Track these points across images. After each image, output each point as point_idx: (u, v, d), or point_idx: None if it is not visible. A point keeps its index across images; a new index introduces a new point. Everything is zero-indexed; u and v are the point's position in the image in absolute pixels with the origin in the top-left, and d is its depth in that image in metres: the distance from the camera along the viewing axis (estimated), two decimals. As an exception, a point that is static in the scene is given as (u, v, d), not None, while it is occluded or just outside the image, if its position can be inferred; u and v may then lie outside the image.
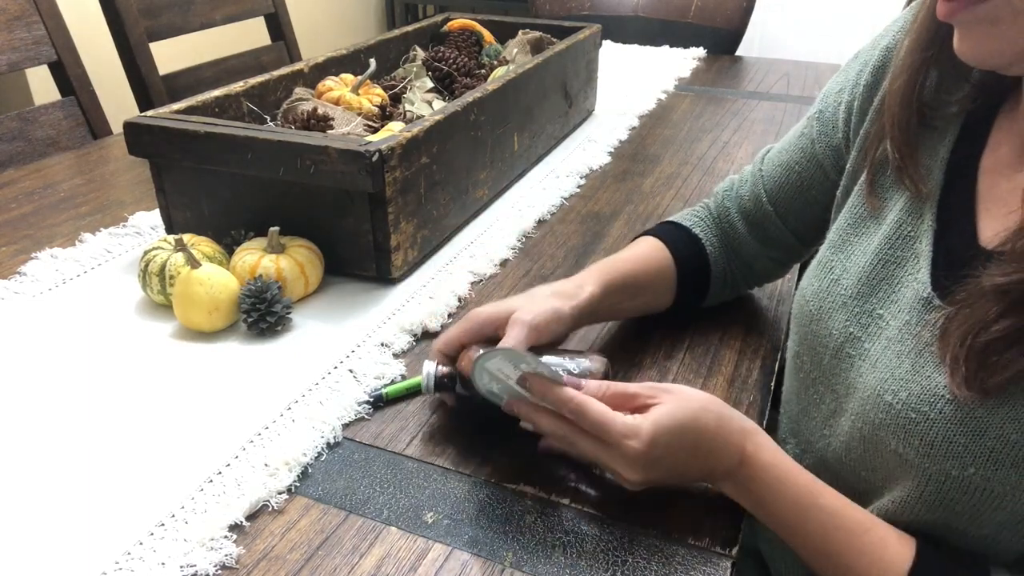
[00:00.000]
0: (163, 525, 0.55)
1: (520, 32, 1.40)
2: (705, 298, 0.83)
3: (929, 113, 0.62)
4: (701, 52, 1.96)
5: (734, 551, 0.55)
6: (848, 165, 0.69)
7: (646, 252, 0.80)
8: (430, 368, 0.64)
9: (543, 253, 0.96)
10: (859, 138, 0.68)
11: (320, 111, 0.98)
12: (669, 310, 0.81)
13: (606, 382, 0.58)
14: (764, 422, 0.68)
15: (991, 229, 0.56)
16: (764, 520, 0.57)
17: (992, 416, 0.51)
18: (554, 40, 1.37)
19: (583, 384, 0.57)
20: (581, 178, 1.18)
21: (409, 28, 1.38)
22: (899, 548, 0.53)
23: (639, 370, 0.74)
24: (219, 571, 0.52)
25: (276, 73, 1.06)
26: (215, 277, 0.75)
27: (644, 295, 0.78)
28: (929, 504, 0.54)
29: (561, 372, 0.59)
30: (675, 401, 0.56)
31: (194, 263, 0.76)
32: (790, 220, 0.79)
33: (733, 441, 0.56)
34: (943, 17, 0.52)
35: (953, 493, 0.53)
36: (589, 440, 0.56)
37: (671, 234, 0.82)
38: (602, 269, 0.75)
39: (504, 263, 0.93)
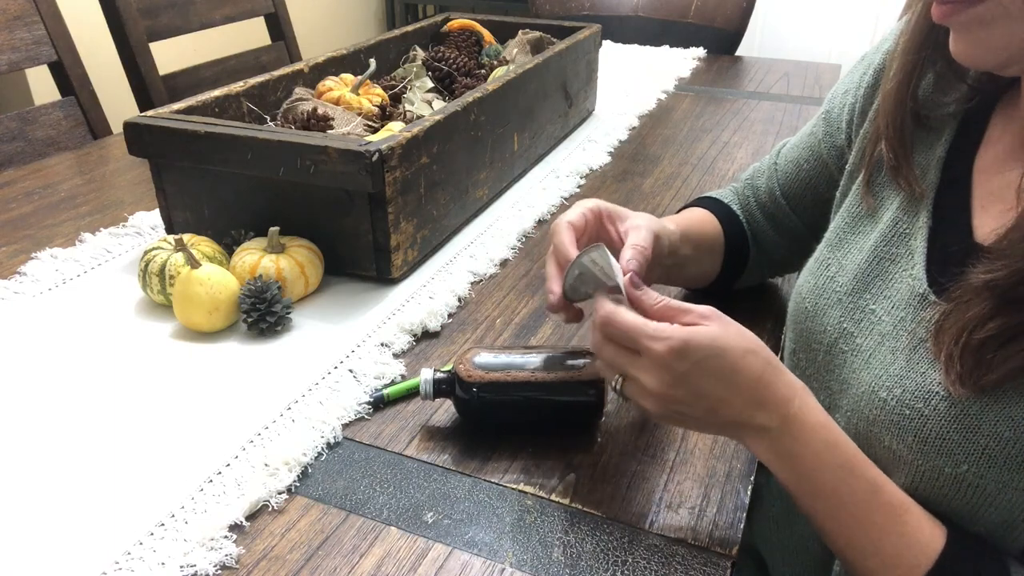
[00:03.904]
0: (163, 525, 0.55)
1: (520, 32, 1.40)
2: (740, 278, 0.85)
3: (925, 113, 0.62)
4: (701, 52, 1.96)
5: (734, 551, 0.55)
6: (847, 165, 0.70)
7: (704, 218, 0.82)
8: (428, 375, 0.64)
9: (543, 253, 0.96)
10: (858, 139, 0.68)
11: (320, 111, 0.98)
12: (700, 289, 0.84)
13: (664, 297, 0.55)
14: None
15: (987, 226, 0.56)
16: (795, 484, 0.54)
17: (986, 413, 0.51)
18: (554, 40, 1.37)
19: (643, 293, 0.55)
20: (581, 178, 1.18)
21: (409, 28, 1.38)
22: (932, 532, 0.52)
23: (639, 370, 0.74)
24: (219, 571, 0.52)
25: (276, 73, 1.06)
26: (215, 277, 0.75)
27: (700, 260, 0.80)
28: (922, 502, 0.54)
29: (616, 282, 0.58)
30: (722, 328, 0.52)
31: (194, 263, 0.76)
32: (802, 214, 0.81)
33: (778, 395, 0.53)
34: (938, 20, 0.52)
35: (946, 491, 0.53)
36: (615, 349, 0.54)
37: (720, 209, 0.84)
38: (675, 218, 0.76)
39: (504, 263, 0.93)
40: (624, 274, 0.57)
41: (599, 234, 0.67)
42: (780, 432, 0.53)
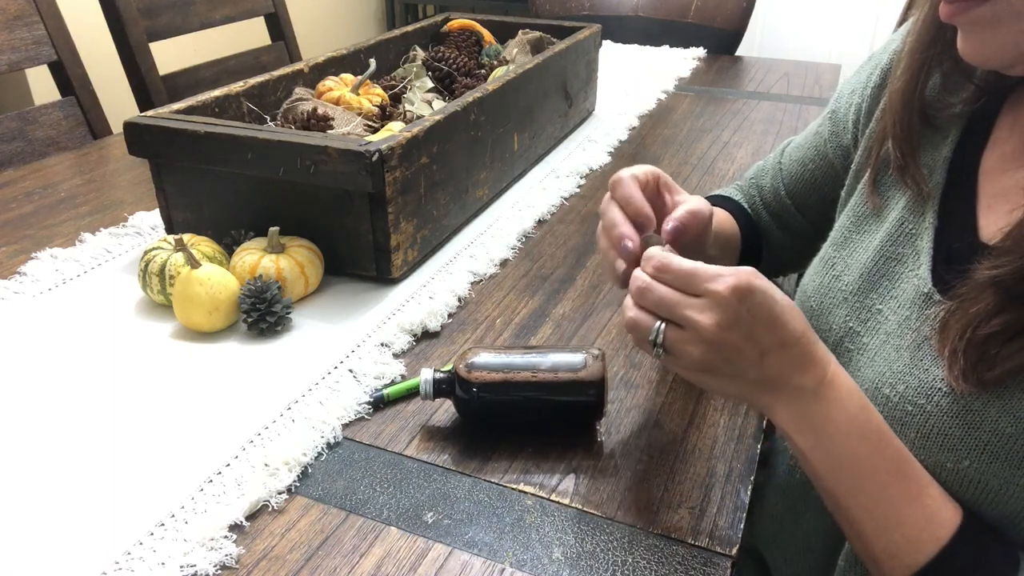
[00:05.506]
0: (163, 525, 0.55)
1: (520, 32, 1.40)
2: None
3: (932, 113, 0.62)
4: (701, 52, 1.96)
5: (734, 551, 0.55)
6: (853, 165, 0.70)
7: (722, 216, 0.81)
8: (428, 375, 0.64)
9: (543, 253, 0.96)
10: (864, 138, 0.69)
11: (320, 111, 0.98)
12: None
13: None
14: (765, 420, 0.68)
15: (993, 225, 0.56)
16: (820, 452, 0.52)
17: (987, 409, 0.51)
18: (554, 40, 1.37)
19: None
20: (581, 178, 1.18)
21: (409, 28, 1.38)
22: (951, 509, 0.53)
23: (638, 370, 0.74)
24: (219, 571, 0.52)
25: (276, 73, 1.06)
26: (215, 277, 0.75)
27: (720, 259, 0.77)
28: None
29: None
30: (770, 283, 0.51)
31: (194, 263, 0.76)
32: (807, 213, 0.82)
33: (818, 357, 0.52)
34: (946, 18, 0.52)
35: (949, 486, 0.53)
36: (667, 289, 0.52)
37: (734, 208, 0.84)
38: None
39: (504, 263, 0.93)
40: (668, 222, 0.58)
41: (654, 200, 0.63)
42: (815, 396, 0.52)
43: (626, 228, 0.59)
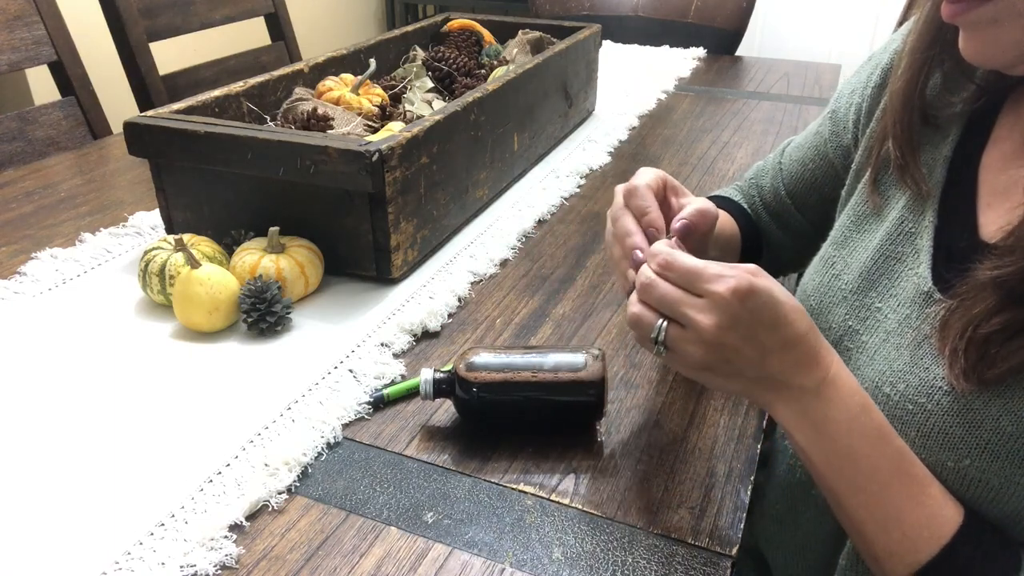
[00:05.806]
0: (163, 525, 0.55)
1: (520, 32, 1.40)
2: None
3: (932, 112, 0.62)
4: (701, 52, 1.96)
5: (734, 551, 0.55)
6: (853, 164, 0.70)
7: (723, 218, 0.80)
8: (428, 375, 0.64)
9: (543, 253, 0.96)
10: (865, 138, 0.69)
11: (320, 111, 0.98)
12: None
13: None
14: (765, 420, 0.68)
15: (993, 224, 0.56)
16: (821, 451, 0.53)
17: (988, 408, 0.52)
18: (554, 40, 1.37)
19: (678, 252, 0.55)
20: (581, 178, 1.18)
21: (409, 28, 1.38)
22: (952, 509, 0.53)
23: (638, 370, 0.74)
24: (219, 571, 0.52)
25: (276, 73, 1.06)
26: (215, 277, 0.75)
27: (722, 257, 0.78)
28: None
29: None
30: (774, 282, 0.52)
31: (194, 263, 0.76)
32: (807, 213, 0.82)
33: (820, 357, 0.52)
34: (948, 18, 0.52)
35: (950, 485, 0.53)
36: (670, 287, 0.52)
37: (734, 208, 0.84)
38: None
39: (504, 263, 0.93)
40: (677, 221, 0.59)
41: (661, 205, 0.63)
42: (816, 395, 0.52)
43: (639, 239, 0.60)
